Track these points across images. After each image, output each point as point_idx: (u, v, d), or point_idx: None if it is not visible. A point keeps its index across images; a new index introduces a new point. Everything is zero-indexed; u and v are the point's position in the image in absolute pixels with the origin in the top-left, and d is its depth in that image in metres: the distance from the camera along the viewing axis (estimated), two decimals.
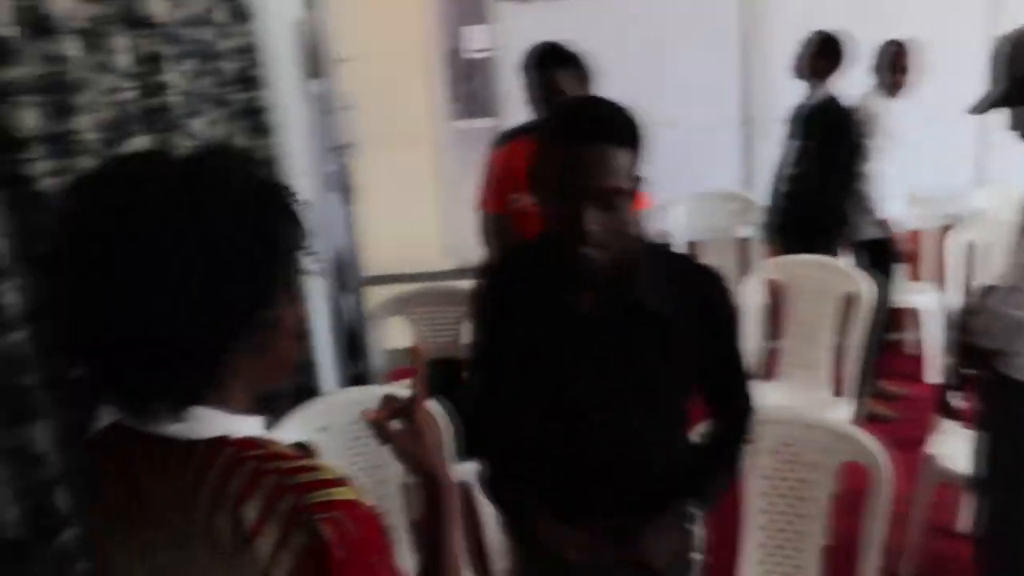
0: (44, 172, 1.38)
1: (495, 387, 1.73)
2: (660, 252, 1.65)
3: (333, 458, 2.26)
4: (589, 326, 1.57)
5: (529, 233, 2.65)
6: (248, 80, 2.47)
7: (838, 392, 3.11)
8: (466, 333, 3.06)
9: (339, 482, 0.94)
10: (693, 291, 1.59)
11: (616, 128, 1.45)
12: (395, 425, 1.14)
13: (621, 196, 1.43)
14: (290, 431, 2.09)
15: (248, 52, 2.45)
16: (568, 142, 1.42)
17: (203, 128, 2.14)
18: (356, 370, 3.40)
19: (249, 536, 0.88)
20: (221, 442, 0.94)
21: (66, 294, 0.89)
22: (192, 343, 0.87)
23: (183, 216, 0.86)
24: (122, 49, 1.71)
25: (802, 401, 2.98)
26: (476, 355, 1.77)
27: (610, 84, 3.29)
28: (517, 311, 1.62)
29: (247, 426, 0.98)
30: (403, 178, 5.39)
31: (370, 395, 2.18)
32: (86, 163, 1.54)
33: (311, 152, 3.04)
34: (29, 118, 1.36)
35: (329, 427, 2.18)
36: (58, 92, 1.48)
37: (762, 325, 3.34)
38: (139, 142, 1.75)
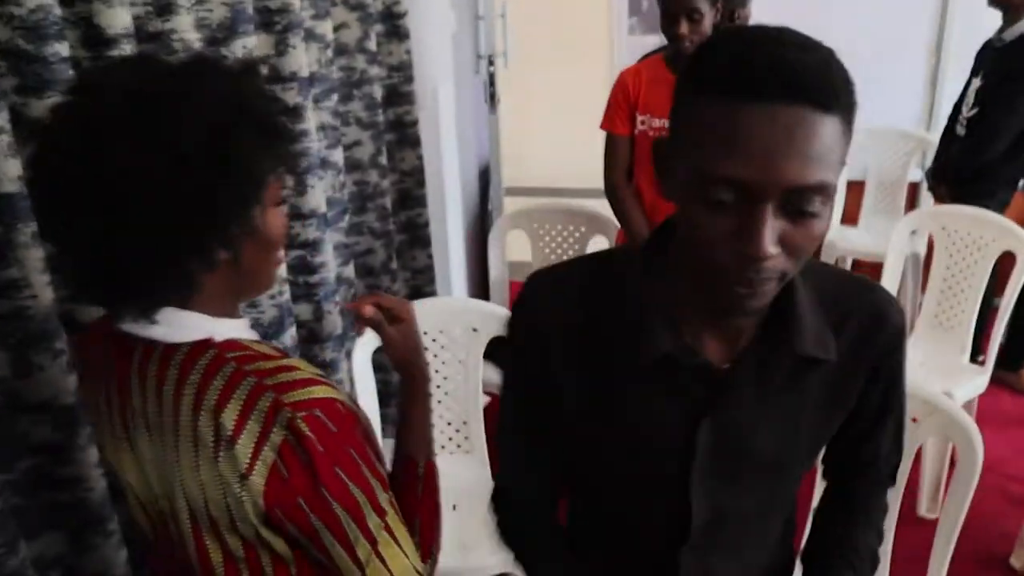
0: None
1: (534, 469, 1.17)
2: (813, 269, 1.00)
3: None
4: (718, 383, 0.98)
5: (648, 159, 2.53)
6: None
7: (982, 360, 2.81)
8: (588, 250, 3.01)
9: (317, 381, 0.95)
10: (856, 325, 1.02)
11: (819, 80, 0.78)
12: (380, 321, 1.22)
13: (825, 197, 0.81)
14: None
15: None
16: (735, 99, 0.78)
17: (328, 31, 2.15)
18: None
19: (231, 438, 0.91)
20: (203, 344, 0.96)
21: (41, 198, 0.92)
22: (145, 253, 0.88)
23: (142, 128, 0.86)
24: None
25: (934, 365, 2.72)
26: (510, 422, 1.16)
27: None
28: (589, 363, 1.01)
29: (230, 328, 1.00)
30: (573, 91, 5.28)
31: (456, 307, 2.23)
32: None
33: (456, 59, 3.01)
34: (120, 16, 1.40)
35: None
36: None
37: (904, 278, 3.06)
38: (250, 42, 1.78)
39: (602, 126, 2.63)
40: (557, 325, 1.00)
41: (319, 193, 2.06)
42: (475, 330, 2.15)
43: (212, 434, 0.92)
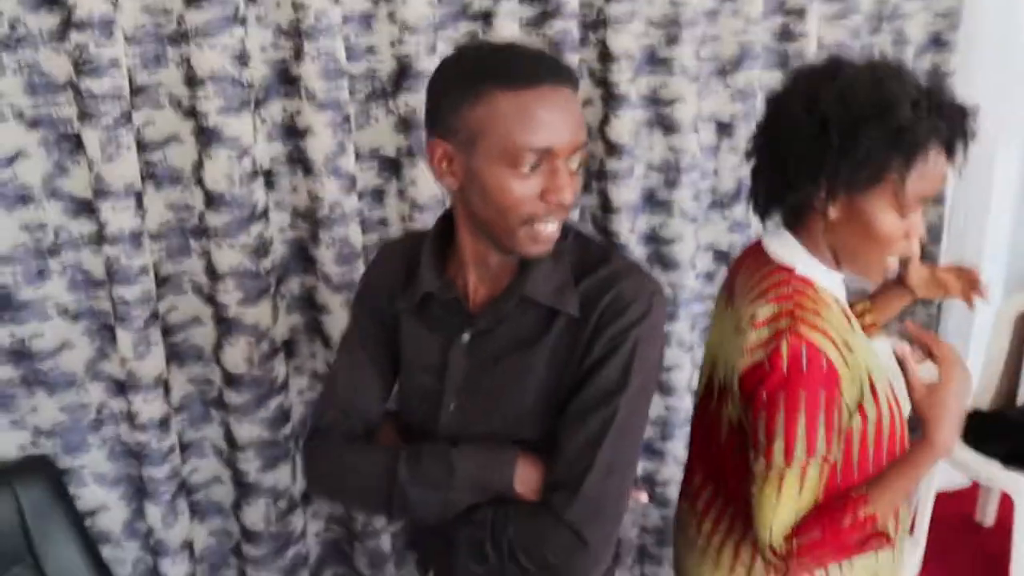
0: (627, 80, 1.81)
1: None
2: (580, 241, 1.12)
3: None
4: (470, 316, 1.11)
5: None
6: (940, 43, 2.41)
7: None
8: None
9: (828, 336, 1.10)
10: (590, 286, 1.07)
11: (565, 67, 1.03)
12: (918, 369, 1.14)
13: (584, 154, 1.04)
14: None
15: (947, 16, 2.38)
16: (520, 88, 0.96)
17: None
18: None
19: (752, 324, 1.13)
20: (785, 268, 1.18)
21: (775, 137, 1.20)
22: (789, 184, 1.14)
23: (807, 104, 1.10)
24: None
25: None
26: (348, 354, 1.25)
27: None
28: (394, 304, 1.18)
29: (813, 269, 1.18)
30: None
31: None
32: (680, 82, 1.91)
33: None
34: (623, 41, 1.79)
35: None
36: (671, 26, 1.87)
37: None
38: (754, 76, 2.01)
39: None
40: (384, 279, 1.19)
41: None
42: None
43: (746, 317, 1.15)
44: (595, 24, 1.80)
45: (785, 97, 1.17)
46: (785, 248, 1.20)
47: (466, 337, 1.10)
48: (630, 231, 1.92)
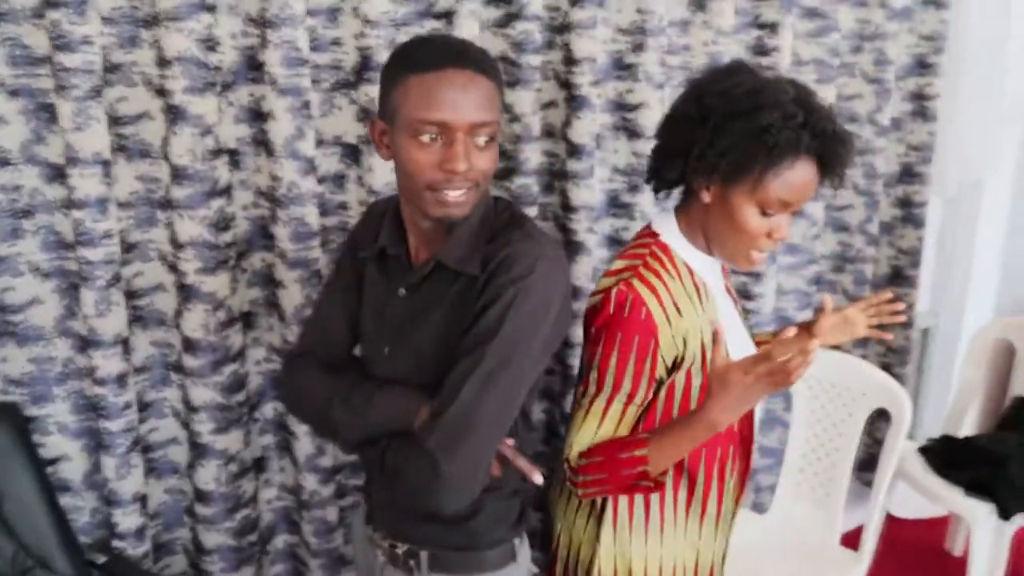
0: (589, 83, 1.89)
1: None
2: (503, 212, 1.27)
3: None
4: (408, 270, 1.29)
5: None
6: (924, 66, 2.45)
7: None
8: None
9: (656, 294, 1.27)
10: (493, 249, 1.19)
11: (475, 53, 1.16)
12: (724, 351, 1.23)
13: (492, 131, 1.15)
14: None
15: (932, 40, 2.42)
16: (426, 71, 1.11)
17: (829, 94, 2.28)
18: None
19: (604, 274, 1.35)
20: (652, 234, 1.37)
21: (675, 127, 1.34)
22: (669, 155, 1.32)
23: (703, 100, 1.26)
24: (728, 12, 2.05)
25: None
26: (325, 291, 1.47)
27: None
28: (361, 256, 1.37)
29: (678, 243, 1.35)
30: None
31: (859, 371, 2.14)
32: (644, 88, 1.99)
33: None
34: (586, 45, 1.87)
35: None
36: (637, 34, 1.95)
37: None
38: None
39: None
40: (361, 233, 1.38)
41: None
42: (864, 395, 2.10)
43: (607, 268, 1.36)
44: (561, 28, 1.88)
45: (687, 89, 1.32)
46: (663, 223, 1.37)
47: (402, 291, 1.28)
48: (588, 231, 1.98)
